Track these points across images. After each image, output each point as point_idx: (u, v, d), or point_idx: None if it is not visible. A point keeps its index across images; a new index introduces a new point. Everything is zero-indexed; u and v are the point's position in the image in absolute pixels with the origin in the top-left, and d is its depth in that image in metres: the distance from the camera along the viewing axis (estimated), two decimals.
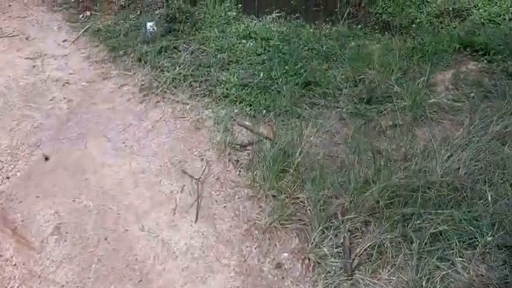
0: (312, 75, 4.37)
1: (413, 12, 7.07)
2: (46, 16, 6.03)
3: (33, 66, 4.95)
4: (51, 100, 4.39)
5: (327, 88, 4.21)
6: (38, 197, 3.33)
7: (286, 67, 4.54)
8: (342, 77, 4.37)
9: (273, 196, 3.17)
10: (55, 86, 4.58)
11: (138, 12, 5.89)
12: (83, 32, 5.57)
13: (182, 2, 5.94)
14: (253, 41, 5.12)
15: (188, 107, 4.13)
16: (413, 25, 6.94)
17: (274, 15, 6.19)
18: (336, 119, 3.86)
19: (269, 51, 4.88)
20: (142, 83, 4.48)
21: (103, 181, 3.45)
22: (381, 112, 3.93)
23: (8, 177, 3.51)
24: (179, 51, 4.99)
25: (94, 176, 3.50)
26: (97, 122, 4.05)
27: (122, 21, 5.75)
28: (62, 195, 3.33)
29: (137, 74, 4.63)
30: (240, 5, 6.10)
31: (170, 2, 5.91)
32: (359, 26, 5.70)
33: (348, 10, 8.24)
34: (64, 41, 5.42)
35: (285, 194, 3.14)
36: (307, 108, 4.01)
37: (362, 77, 4.30)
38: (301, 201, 3.11)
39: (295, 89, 4.23)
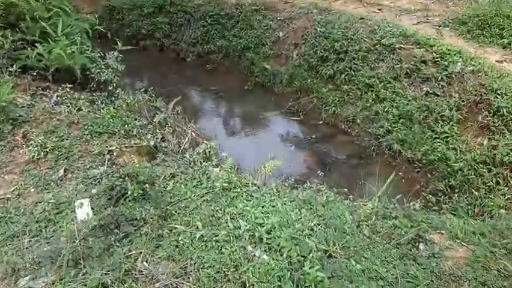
0: None
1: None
2: None
3: None
4: None
5: None
6: None
7: None
8: None
9: None
10: None
11: (62, 171, 3.49)
12: None
13: (137, 155, 3.70)
14: (268, 253, 2.89)
15: None
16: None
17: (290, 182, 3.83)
18: None
19: (304, 283, 2.65)
20: None
21: None
22: None
23: None
24: (136, 276, 2.63)
25: None
26: None
27: (33, 190, 3.32)
28: None
29: None
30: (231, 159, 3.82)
31: (114, 159, 3.60)
32: (414, 205, 3.64)
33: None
34: None
35: None
36: None
37: None
38: None
39: None
